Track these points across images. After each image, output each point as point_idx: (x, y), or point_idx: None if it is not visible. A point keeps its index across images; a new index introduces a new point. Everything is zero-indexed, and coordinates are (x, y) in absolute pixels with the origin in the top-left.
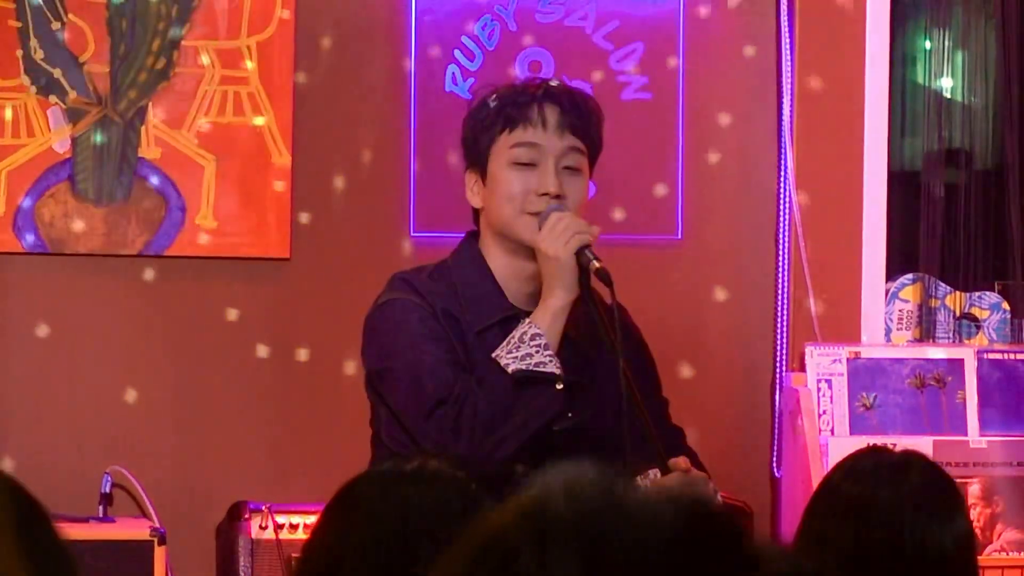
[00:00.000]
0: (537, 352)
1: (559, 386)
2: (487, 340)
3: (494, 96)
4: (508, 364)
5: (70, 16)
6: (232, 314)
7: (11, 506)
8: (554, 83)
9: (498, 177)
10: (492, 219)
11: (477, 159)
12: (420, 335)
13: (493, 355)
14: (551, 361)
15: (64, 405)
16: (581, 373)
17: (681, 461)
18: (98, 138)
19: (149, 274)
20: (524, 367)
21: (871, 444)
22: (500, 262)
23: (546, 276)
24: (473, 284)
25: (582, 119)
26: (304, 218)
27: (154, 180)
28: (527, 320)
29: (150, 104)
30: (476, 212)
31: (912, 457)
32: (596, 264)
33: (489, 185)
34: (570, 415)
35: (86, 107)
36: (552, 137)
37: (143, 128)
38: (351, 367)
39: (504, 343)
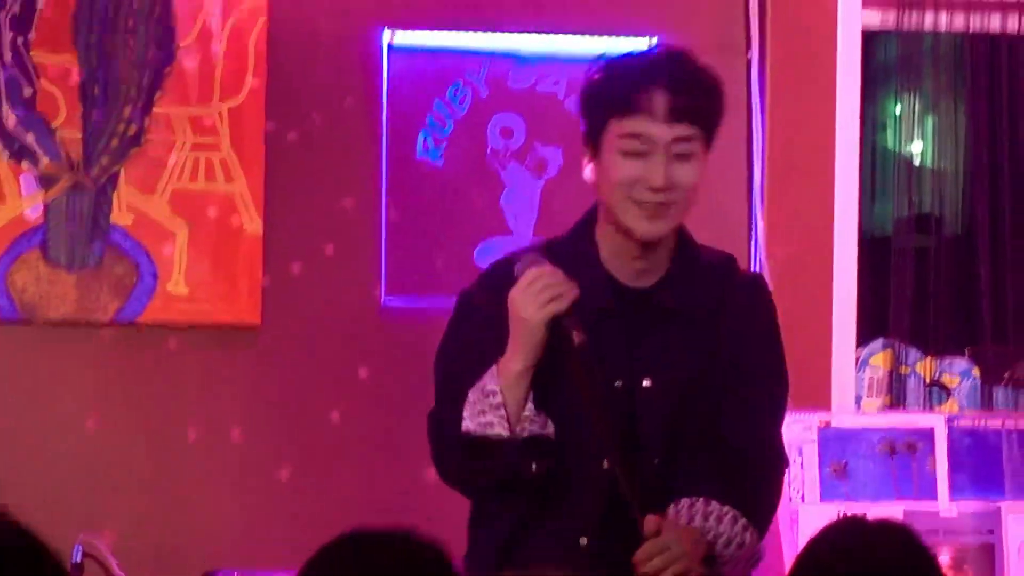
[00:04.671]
0: (490, 411)
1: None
2: (601, 325)
3: (607, 72)
4: (464, 419)
5: (42, 82)
6: (203, 380)
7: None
8: (667, 61)
9: (608, 163)
10: (602, 198)
11: (589, 137)
12: (464, 344)
13: (469, 394)
14: (500, 422)
15: (35, 473)
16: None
17: (651, 523)
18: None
19: (121, 341)
20: (473, 428)
21: (849, 515)
22: (609, 240)
23: (512, 334)
24: (578, 270)
25: (696, 103)
26: (275, 284)
27: (126, 246)
28: (494, 367)
29: (122, 170)
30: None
31: (895, 530)
32: (577, 337)
33: (600, 167)
34: (534, 466)
35: (58, 173)
36: (662, 127)
37: (115, 194)
38: (323, 431)
39: (475, 385)
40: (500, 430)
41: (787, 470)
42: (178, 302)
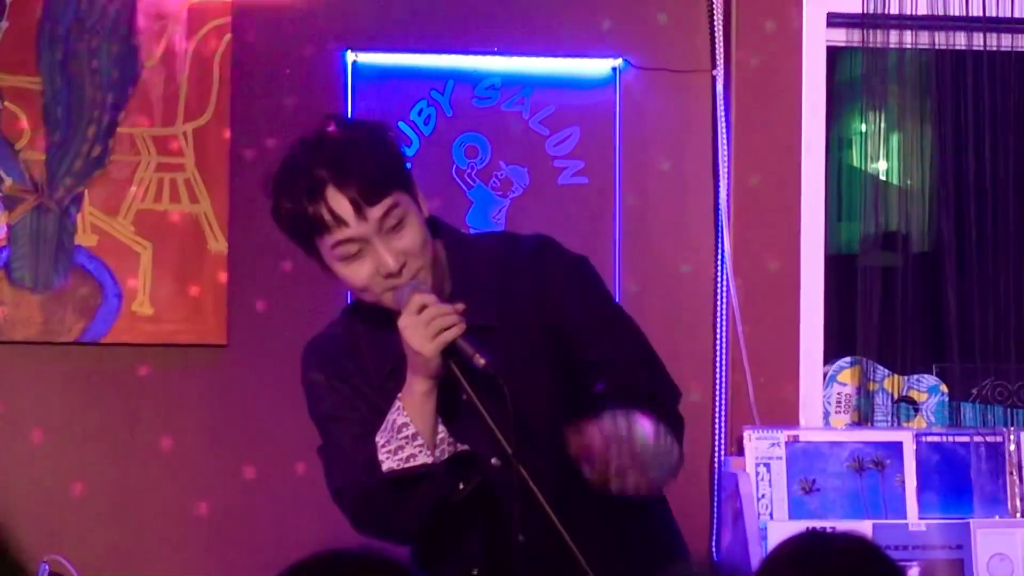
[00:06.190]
0: (407, 444)
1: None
2: (394, 381)
3: (282, 197)
4: (383, 461)
5: (6, 103)
6: (169, 402)
7: None
8: (321, 159)
9: (339, 273)
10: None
11: (308, 253)
12: (328, 419)
13: (377, 439)
14: (421, 451)
15: (0, 493)
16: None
17: (573, 435)
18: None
19: (86, 362)
20: (396, 465)
21: (810, 529)
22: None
23: (408, 362)
24: (373, 328)
25: (374, 183)
26: (241, 305)
27: (90, 267)
28: (397, 402)
29: (86, 191)
30: None
31: (856, 543)
32: (481, 361)
33: (333, 273)
34: (461, 486)
35: (22, 195)
36: (359, 224)
37: (79, 215)
38: (288, 449)
39: (381, 428)
40: (424, 459)
41: (679, 397)
42: (143, 322)
